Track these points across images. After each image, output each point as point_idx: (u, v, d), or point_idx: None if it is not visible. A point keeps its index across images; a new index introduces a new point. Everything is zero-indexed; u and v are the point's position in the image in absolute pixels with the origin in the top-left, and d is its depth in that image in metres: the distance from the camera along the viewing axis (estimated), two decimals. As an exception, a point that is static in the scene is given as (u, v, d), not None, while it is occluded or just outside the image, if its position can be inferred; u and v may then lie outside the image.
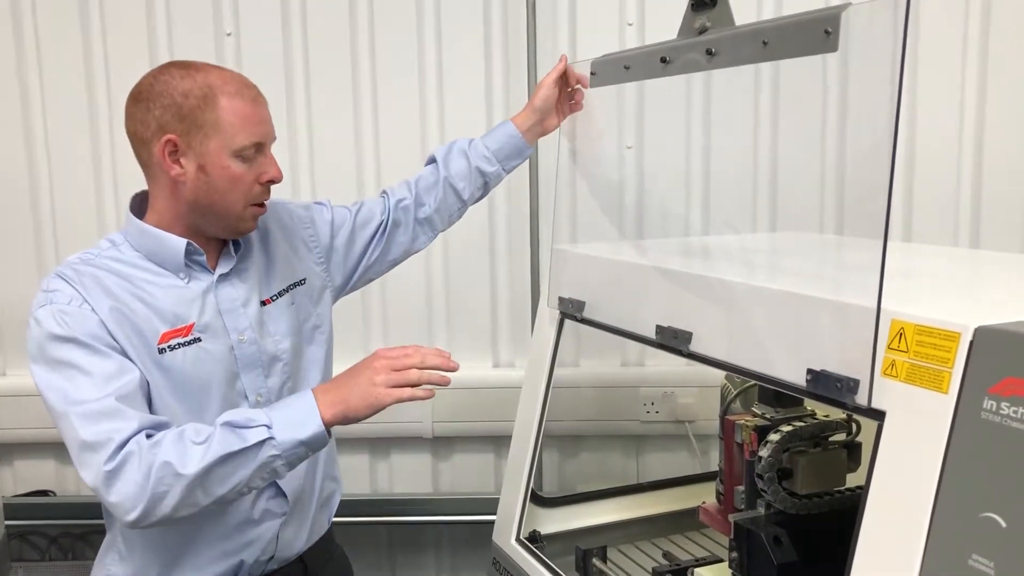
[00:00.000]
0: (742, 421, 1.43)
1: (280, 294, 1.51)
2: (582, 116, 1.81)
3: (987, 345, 0.94)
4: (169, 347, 1.36)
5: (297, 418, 1.27)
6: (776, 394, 1.42)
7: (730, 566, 1.41)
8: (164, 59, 2.44)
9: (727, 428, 1.46)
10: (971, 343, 0.95)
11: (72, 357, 1.28)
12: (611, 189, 2.27)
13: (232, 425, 1.25)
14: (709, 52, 1.39)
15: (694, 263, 1.57)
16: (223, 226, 1.41)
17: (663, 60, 1.50)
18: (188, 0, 2.46)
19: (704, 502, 1.57)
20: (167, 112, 1.33)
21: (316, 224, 1.63)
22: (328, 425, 1.28)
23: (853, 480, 1.44)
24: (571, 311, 1.74)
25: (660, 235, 2.27)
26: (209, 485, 1.24)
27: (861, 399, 1.07)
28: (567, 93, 1.78)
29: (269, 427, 1.25)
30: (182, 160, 1.35)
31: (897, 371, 1.04)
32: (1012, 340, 0.92)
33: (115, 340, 1.31)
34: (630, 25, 2.45)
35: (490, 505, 2.57)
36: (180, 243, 1.38)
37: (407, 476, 2.66)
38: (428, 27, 2.48)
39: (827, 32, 1.14)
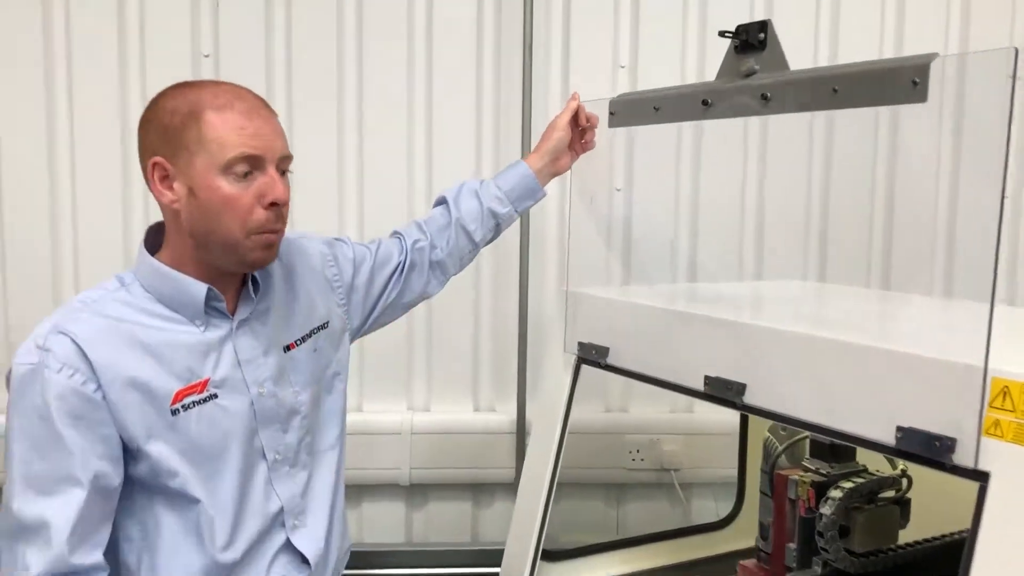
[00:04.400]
0: (796, 476, 1.39)
1: (303, 339, 1.39)
2: (591, 156, 1.77)
3: (1112, 407, 0.93)
4: (183, 406, 1.22)
5: None
6: (831, 448, 1.39)
7: (782, 627, 1.36)
8: (135, 81, 2.33)
9: (778, 483, 1.42)
10: (1092, 404, 0.94)
11: (38, 434, 1.16)
12: (617, 230, 2.25)
13: None
14: (764, 97, 1.36)
15: (734, 311, 1.53)
16: (229, 259, 1.27)
17: (705, 103, 1.47)
18: (163, 18, 2.33)
19: (741, 562, 1.52)
20: (155, 134, 1.22)
21: (339, 261, 1.52)
22: None
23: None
24: (593, 357, 1.68)
25: (668, 279, 2.25)
26: None
27: (961, 459, 1.04)
28: (578, 132, 1.73)
29: None
30: (174, 185, 1.22)
31: (1002, 431, 1.02)
32: None
33: (103, 414, 1.18)
34: (622, 68, 2.44)
35: (466, 557, 2.48)
36: (200, 289, 1.25)
37: (378, 525, 2.53)
38: (419, 63, 2.41)
39: (915, 83, 1.13)
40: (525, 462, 1.85)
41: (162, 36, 2.33)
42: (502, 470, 2.47)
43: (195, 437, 1.23)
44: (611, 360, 1.65)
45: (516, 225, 2.40)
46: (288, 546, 1.34)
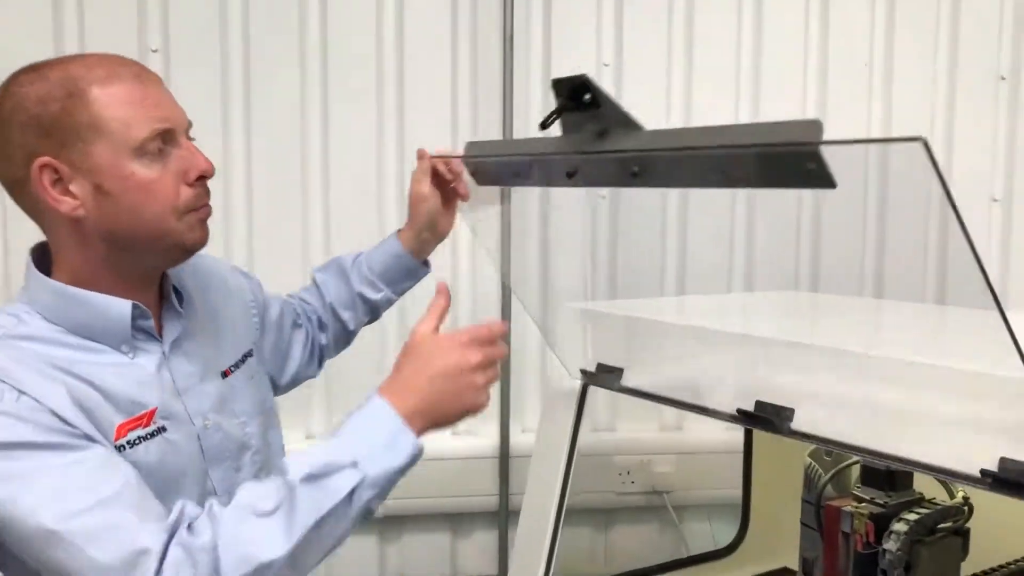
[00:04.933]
0: (851, 508, 1.25)
1: (237, 365, 1.20)
2: (485, 201, 1.47)
3: None
4: (128, 442, 1.01)
5: (383, 440, 0.98)
6: (888, 477, 1.26)
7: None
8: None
9: (829, 515, 1.28)
10: None
11: (31, 466, 0.92)
12: (602, 240, 2.08)
13: (313, 477, 0.94)
14: (633, 174, 1.06)
15: (768, 327, 1.40)
16: (162, 252, 1.06)
17: (569, 175, 1.16)
18: (105, 6, 2.09)
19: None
20: (26, 132, 0.98)
21: (254, 289, 1.33)
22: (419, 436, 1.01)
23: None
24: (604, 380, 1.53)
25: (655, 292, 2.11)
26: (303, 559, 0.94)
27: (1076, 497, 0.92)
28: (446, 183, 1.41)
29: (356, 464, 0.96)
30: (71, 187, 0.99)
31: (1126, 464, 0.90)
32: None
33: (79, 428, 0.95)
34: (606, 66, 2.30)
35: (445, 594, 2.30)
36: (123, 306, 1.03)
37: (348, 561, 2.32)
38: (389, 60, 2.22)
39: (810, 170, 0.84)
40: (525, 498, 1.69)
41: (104, 27, 2.09)
42: (483, 498, 2.30)
43: (147, 478, 1.00)
44: (627, 382, 1.50)
45: (497, 234, 2.24)
46: None
